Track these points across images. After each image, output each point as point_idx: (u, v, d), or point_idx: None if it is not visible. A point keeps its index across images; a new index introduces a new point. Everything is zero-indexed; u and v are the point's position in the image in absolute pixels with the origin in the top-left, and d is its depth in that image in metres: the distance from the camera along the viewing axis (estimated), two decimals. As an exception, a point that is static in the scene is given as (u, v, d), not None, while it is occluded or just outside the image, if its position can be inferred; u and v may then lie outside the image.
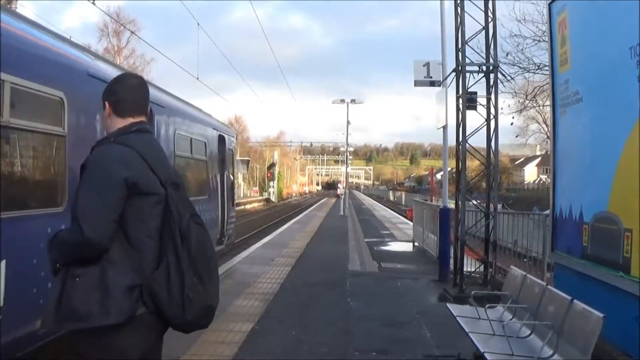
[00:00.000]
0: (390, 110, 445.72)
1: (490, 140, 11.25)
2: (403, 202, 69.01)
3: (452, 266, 12.00)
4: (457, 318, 6.54)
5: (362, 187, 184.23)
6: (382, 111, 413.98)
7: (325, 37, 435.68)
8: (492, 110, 11.20)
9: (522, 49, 18.99)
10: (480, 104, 11.26)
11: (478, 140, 11.53)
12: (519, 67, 19.22)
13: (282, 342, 7.76)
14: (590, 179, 7.30)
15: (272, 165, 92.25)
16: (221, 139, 14.26)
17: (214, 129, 13.71)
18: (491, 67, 11.16)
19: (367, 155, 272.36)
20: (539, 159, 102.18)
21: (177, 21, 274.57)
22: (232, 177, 15.88)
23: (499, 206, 12.40)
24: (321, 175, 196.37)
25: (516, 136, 39.68)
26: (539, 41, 18.51)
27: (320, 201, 74.74)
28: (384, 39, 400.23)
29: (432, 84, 13.16)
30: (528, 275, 6.84)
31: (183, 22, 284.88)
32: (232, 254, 20.48)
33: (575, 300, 5.24)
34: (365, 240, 22.05)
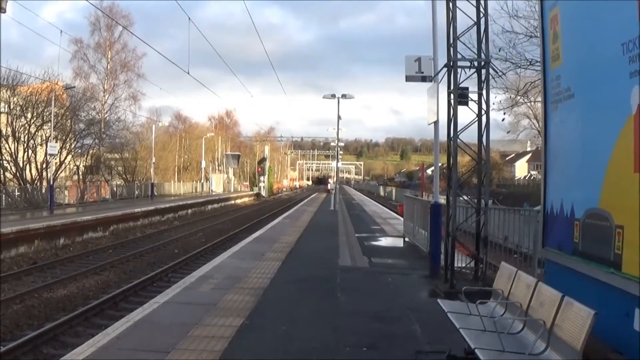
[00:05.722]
0: (377, 106, 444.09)
1: (482, 136, 11.24)
2: (394, 198, 69.19)
3: (442, 262, 12.00)
4: (448, 314, 6.53)
5: (352, 182, 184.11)
6: (368, 107, 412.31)
7: (302, 32, 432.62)
8: (484, 106, 11.20)
9: (513, 45, 19.04)
10: (472, 100, 11.25)
11: (469, 136, 11.53)
12: (511, 62, 19.27)
13: (272, 337, 7.74)
14: (581, 175, 7.30)
15: (262, 160, 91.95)
16: None
17: None
18: (483, 63, 11.15)
19: (358, 150, 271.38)
20: (529, 154, 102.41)
21: (156, 16, 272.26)
22: None
23: (490, 202, 12.39)
24: (312, 170, 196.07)
25: (507, 132, 39.77)
26: (530, 37, 18.55)
27: (311, 196, 74.68)
28: (362, 34, 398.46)
29: (424, 79, 13.11)
30: (519, 271, 6.84)
31: (162, 17, 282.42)
32: (223, 248, 20.50)
33: (566, 297, 5.24)
34: (356, 235, 22.04)
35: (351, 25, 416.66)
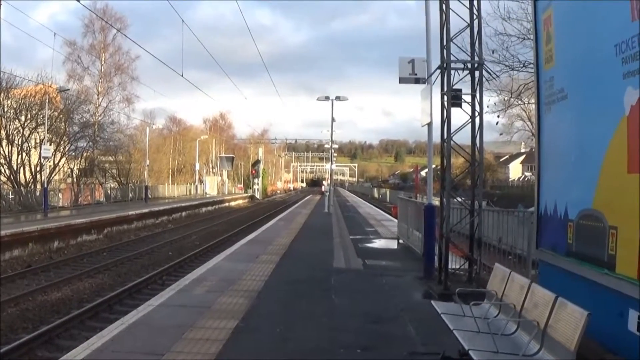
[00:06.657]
0: (370, 107, 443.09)
1: (475, 138, 11.25)
2: (388, 199, 69.18)
3: (437, 263, 12.00)
4: (442, 315, 6.53)
5: (346, 184, 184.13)
6: (362, 108, 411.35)
7: (295, 33, 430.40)
8: (477, 108, 11.21)
9: (507, 47, 19.12)
10: (465, 101, 11.26)
11: (463, 138, 11.55)
12: (504, 64, 19.34)
13: (267, 339, 7.73)
14: (575, 176, 7.31)
15: (256, 162, 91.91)
16: None
17: None
18: (476, 65, 11.16)
19: (352, 152, 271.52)
20: (523, 156, 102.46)
21: (150, 17, 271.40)
22: None
23: (484, 203, 12.40)
24: (306, 172, 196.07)
25: (500, 134, 39.77)
26: (523, 39, 18.63)
27: (305, 198, 74.59)
28: (355, 35, 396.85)
29: (417, 81, 13.11)
30: (513, 272, 6.85)
31: (155, 18, 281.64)
32: (217, 250, 20.46)
33: (560, 297, 5.25)
34: (350, 237, 22.00)
35: (344, 27, 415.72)
